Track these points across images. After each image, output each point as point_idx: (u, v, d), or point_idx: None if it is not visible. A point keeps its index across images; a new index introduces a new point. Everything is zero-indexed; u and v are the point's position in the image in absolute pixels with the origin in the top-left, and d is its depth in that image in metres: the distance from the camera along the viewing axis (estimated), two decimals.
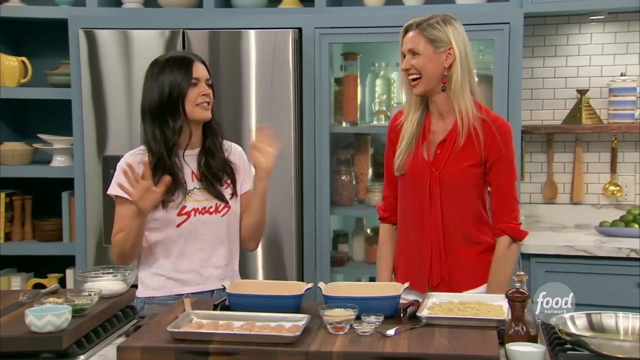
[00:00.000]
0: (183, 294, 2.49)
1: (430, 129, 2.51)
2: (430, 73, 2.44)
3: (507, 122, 2.54)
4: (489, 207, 2.55)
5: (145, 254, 2.55)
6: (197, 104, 2.48)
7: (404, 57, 2.49)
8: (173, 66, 2.49)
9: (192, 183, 2.53)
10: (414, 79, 2.46)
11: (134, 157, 2.51)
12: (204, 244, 2.52)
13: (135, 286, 2.45)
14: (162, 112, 2.48)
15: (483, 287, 2.51)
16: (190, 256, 2.52)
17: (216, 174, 2.54)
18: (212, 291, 2.54)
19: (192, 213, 2.50)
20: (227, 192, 2.56)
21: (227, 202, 2.55)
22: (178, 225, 2.50)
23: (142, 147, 2.53)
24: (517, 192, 2.53)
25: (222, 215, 2.54)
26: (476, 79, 2.56)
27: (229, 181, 2.57)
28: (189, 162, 2.53)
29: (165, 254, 2.52)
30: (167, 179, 2.39)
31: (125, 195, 2.41)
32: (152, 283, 2.53)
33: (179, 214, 2.49)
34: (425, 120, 2.52)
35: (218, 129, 2.58)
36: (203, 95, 2.49)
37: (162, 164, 2.47)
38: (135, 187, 2.35)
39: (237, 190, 2.59)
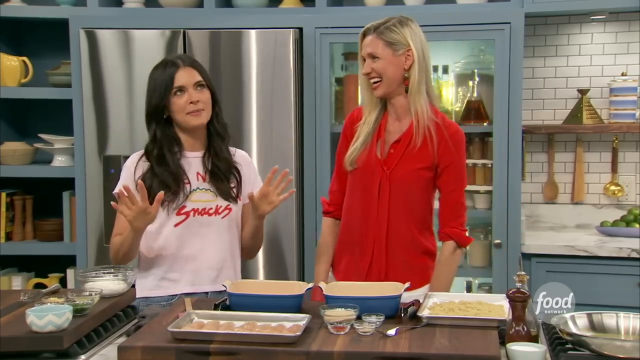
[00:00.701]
0: (177, 295, 2.49)
1: (385, 128, 2.55)
2: (390, 75, 2.48)
3: (460, 129, 2.56)
4: (435, 214, 2.60)
5: (143, 254, 2.55)
6: (188, 112, 2.47)
7: (364, 61, 2.52)
8: (157, 73, 2.50)
9: (196, 183, 2.52)
10: (374, 82, 2.50)
11: (137, 157, 2.54)
12: (200, 244, 2.51)
13: (135, 286, 2.46)
14: (151, 117, 2.51)
15: (418, 290, 2.47)
16: (185, 256, 2.51)
17: (224, 172, 2.54)
18: (206, 293, 2.53)
19: (192, 213, 2.50)
20: (234, 190, 2.57)
21: (230, 202, 2.54)
22: (176, 225, 2.50)
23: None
24: (464, 199, 2.57)
25: (222, 217, 2.54)
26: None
27: (234, 183, 2.57)
28: (194, 163, 2.53)
29: (162, 253, 2.52)
30: (160, 195, 2.36)
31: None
32: (147, 283, 2.54)
33: (178, 214, 2.49)
34: (382, 119, 2.55)
35: (223, 131, 2.56)
36: (191, 103, 2.46)
37: (163, 164, 2.47)
38: (131, 209, 2.34)
39: (241, 195, 2.58)
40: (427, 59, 2.50)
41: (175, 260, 2.51)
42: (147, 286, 2.53)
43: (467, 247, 2.58)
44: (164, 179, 2.46)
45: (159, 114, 2.49)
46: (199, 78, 2.50)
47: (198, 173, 2.53)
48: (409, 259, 2.53)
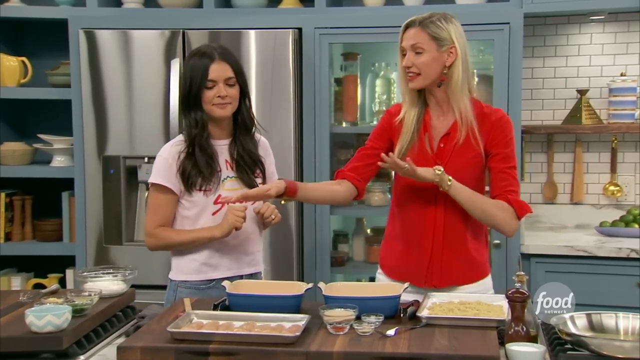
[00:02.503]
0: (216, 279, 2.55)
1: (430, 123, 2.52)
2: (431, 71, 2.44)
3: (506, 114, 2.54)
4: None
5: None
6: (214, 103, 2.54)
7: (403, 54, 2.48)
8: (193, 61, 2.56)
9: (226, 171, 2.59)
10: (411, 74, 2.46)
11: (174, 148, 2.58)
12: (237, 231, 2.56)
13: (135, 286, 2.45)
14: (190, 103, 2.57)
15: (478, 284, 2.50)
16: (225, 243, 2.57)
17: (248, 164, 2.61)
18: (241, 276, 2.59)
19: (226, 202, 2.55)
20: (257, 181, 2.63)
21: None
22: (213, 214, 2.56)
23: (181, 137, 2.61)
24: (518, 179, 2.50)
25: (252, 204, 2.59)
26: (476, 79, 2.55)
27: (258, 171, 2.64)
28: (222, 151, 2.60)
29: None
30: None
31: (168, 185, 2.53)
32: (187, 267, 2.59)
33: (215, 202, 2.56)
34: (425, 115, 2.53)
35: (250, 123, 2.64)
36: (218, 97, 2.54)
37: (200, 149, 2.55)
38: (243, 219, 2.51)
39: (267, 182, 2.65)
40: (469, 58, 2.48)
41: (215, 246, 2.57)
42: (186, 270, 2.59)
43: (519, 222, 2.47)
44: (201, 165, 2.54)
45: (197, 100, 2.55)
46: (230, 74, 2.56)
47: (226, 161, 2.60)
48: (469, 252, 2.50)
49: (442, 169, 2.40)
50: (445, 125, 2.50)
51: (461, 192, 2.41)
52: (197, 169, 2.54)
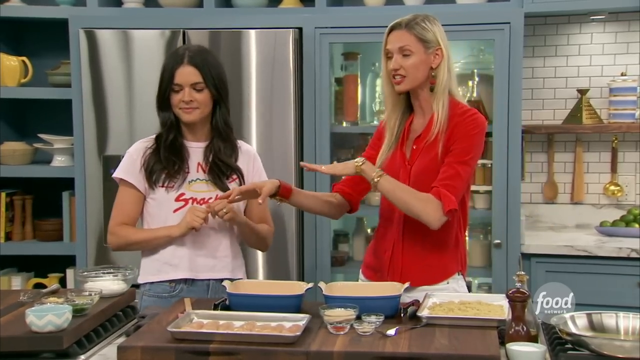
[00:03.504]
0: (176, 279, 2.54)
1: (411, 127, 2.51)
2: (418, 74, 2.42)
3: (477, 114, 2.45)
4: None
5: None
6: (180, 107, 2.53)
7: (387, 57, 2.45)
8: (166, 62, 2.58)
9: (196, 174, 2.56)
10: (399, 77, 2.43)
11: (141, 144, 2.60)
12: (198, 233, 2.53)
13: (136, 286, 2.46)
14: (158, 103, 2.58)
15: (438, 285, 2.46)
16: (185, 243, 2.54)
17: (222, 169, 2.58)
18: (207, 281, 2.56)
19: (190, 201, 2.53)
20: (232, 185, 2.58)
21: None
22: (175, 211, 2.53)
23: (150, 136, 2.62)
24: (465, 174, 2.39)
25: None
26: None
27: (235, 177, 2.60)
28: (195, 153, 2.57)
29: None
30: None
31: (130, 180, 2.53)
32: (150, 268, 2.58)
33: (177, 199, 2.53)
34: (407, 120, 2.51)
35: (225, 131, 2.59)
36: (183, 101, 2.52)
37: (166, 148, 2.55)
38: (204, 220, 2.48)
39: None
40: (451, 59, 2.47)
41: (174, 245, 2.54)
42: (151, 271, 2.58)
43: (444, 216, 2.37)
44: (164, 161, 2.53)
45: (167, 101, 2.56)
46: (197, 79, 2.51)
47: (199, 164, 2.57)
48: (427, 254, 2.47)
49: (363, 161, 2.40)
50: (422, 125, 2.48)
51: (386, 185, 2.39)
52: (161, 165, 2.53)
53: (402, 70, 2.42)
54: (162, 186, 2.53)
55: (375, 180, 2.40)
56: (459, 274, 2.52)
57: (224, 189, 2.55)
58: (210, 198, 2.54)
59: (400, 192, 2.40)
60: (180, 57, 2.52)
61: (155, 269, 2.57)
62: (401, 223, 2.49)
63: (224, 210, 2.46)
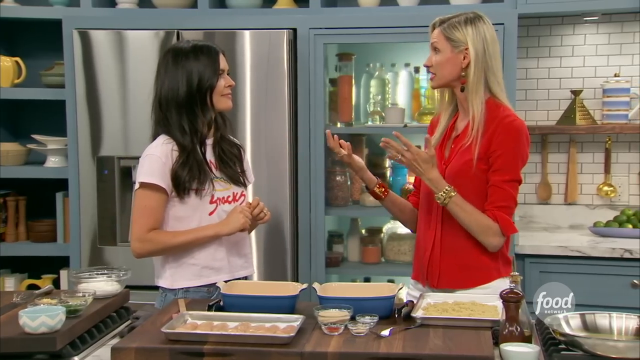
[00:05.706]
0: (216, 282, 2.43)
1: (455, 126, 2.54)
2: (445, 72, 2.44)
3: (518, 120, 2.44)
4: None
5: None
6: (223, 94, 2.54)
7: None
8: (201, 56, 2.51)
9: (214, 172, 2.57)
10: (431, 74, 2.49)
11: (165, 146, 2.48)
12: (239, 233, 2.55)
13: (129, 287, 2.44)
14: (191, 103, 2.49)
15: (478, 289, 2.46)
16: (223, 245, 2.54)
17: (229, 156, 2.59)
18: (244, 277, 2.59)
19: (218, 202, 2.54)
20: (240, 178, 2.62)
21: (242, 189, 2.60)
22: (210, 214, 2.52)
23: (165, 137, 2.50)
24: (516, 192, 2.43)
25: (240, 204, 2.57)
26: (501, 80, 2.49)
27: (239, 167, 2.63)
28: (208, 152, 2.57)
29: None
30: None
31: (162, 184, 2.44)
32: (186, 273, 2.51)
33: (210, 202, 2.52)
34: (454, 117, 2.55)
35: (222, 124, 2.62)
36: (228, 86, 2.55)
37: (193, 156, 2.48)
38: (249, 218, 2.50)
39: (248, 179, 2.65)
40: (493, 58, 2.44)
41: (214, 249, 2.52)
42: (187, 276, 2.51)
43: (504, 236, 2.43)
44: (195, 171, 2.48)
45: (202, 98, 2.50)
46: (228, 66, 2.60)
47: (211, 162, 2.56)
48: (464, 257, 2.45)
49: (450, 190, 2.38)
50: (463, 126, 2.49)
51: (454, 209, 2.40)
52: (192, 173, 2.47)
53: (432, 67, 2.47)
54: (193, 189, 2.49)
55: (445, 202, 2.40)
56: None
57: (237, 179, 2.58)
58: (229, 196, 2.55)
59: (465, 215, 2.40)
60: (214, 47, 2.54)
61: (192, 274, 2.50)
62: (439, 231, 2.49)
63: (264, 212, 2.55)
